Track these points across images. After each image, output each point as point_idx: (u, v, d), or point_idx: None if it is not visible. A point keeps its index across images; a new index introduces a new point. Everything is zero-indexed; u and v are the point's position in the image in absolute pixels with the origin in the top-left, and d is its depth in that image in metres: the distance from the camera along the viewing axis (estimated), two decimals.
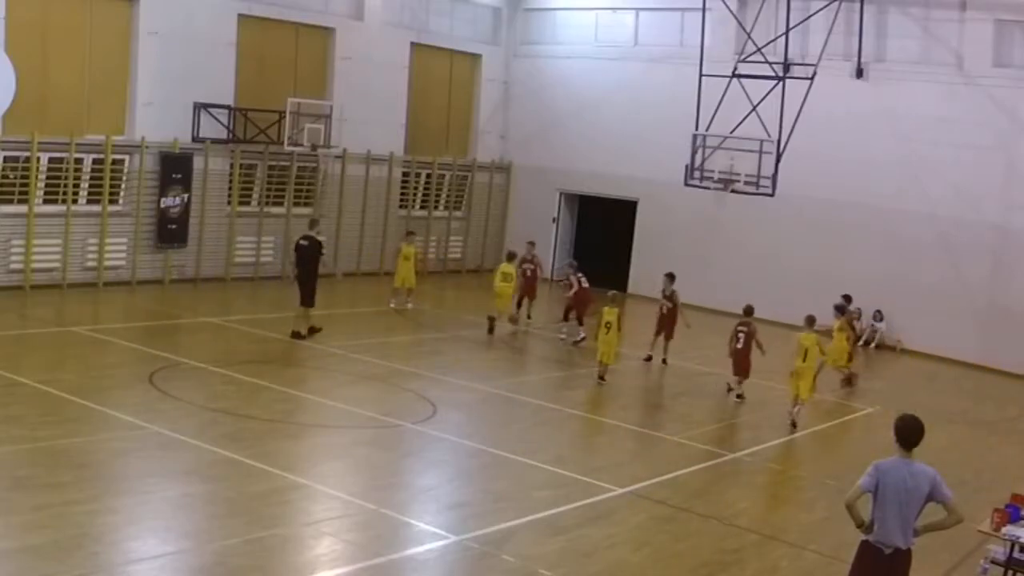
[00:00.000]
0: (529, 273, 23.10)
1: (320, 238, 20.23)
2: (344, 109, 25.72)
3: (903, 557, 8.01)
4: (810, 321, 16.94)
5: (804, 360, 16.51)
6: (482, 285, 29.62)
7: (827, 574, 10.67)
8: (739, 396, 18.17)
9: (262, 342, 19.08)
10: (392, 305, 23.40)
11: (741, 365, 18.00)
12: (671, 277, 20.94)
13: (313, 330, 19.40)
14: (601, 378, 18.28)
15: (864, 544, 8.17)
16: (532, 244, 24.17)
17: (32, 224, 21.29)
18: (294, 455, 12.83)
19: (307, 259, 19.30)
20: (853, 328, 21.66)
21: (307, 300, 19.20)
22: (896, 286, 24.67)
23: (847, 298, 22.18)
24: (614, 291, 19.35)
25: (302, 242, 19.47)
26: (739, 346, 17.90)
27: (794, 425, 16.49)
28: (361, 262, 27.68)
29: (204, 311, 21.48)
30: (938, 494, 7.91)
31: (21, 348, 17.01)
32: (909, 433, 7.97)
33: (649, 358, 20.61)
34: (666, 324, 20.64)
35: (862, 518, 8.09)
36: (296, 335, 19.19)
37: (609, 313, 18.15)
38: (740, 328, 18.01)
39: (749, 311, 18.30)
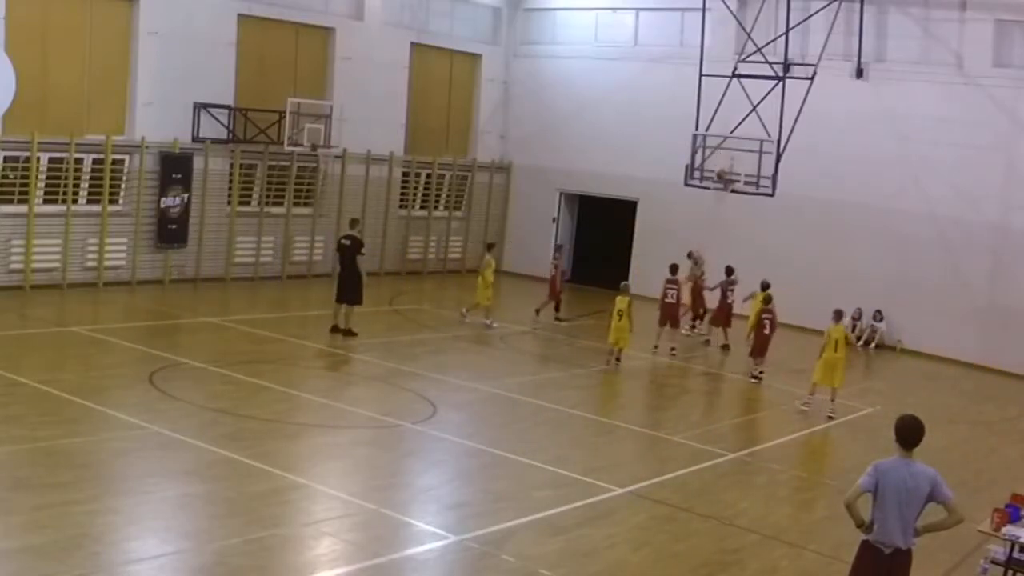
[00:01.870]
0: (553, 272, 24.11)
1: (361, 237, 20.50)
2: (344, 109, 25.71)
3: (903, 557, 8.01)
4: (838, 315, 17.88)
5: (836, 351, 17.37)
6: None
7: (827, 574, 10.67)
8: (759, 375, 19.40)
9: (262, 342, 19.07)
10: (495, 325, 22.34)
11: (765, 349, 19.18)
12: (674, 268, 22.08)
13: (349, 333, 19.57)
14: (615, 359, 19.58)
15: (864, 544, 8.17)
16: (559, 247, 25.14)
17: (32, 224, 21.29)
18: (294, 455, 12.83)
19: (348, 258, 19.80)
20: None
21: (352, 298, 19.73)
22: (896, 286, 24.68)
23: (729, 270, 23.17)
24: (626, 282, 20.25)
25: (344, 241, 20.19)
26: (767, 332, 19.07)
27: (831, 417, 17.37)
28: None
29: (204, 311, 21.48)
30: (938, 494, 7.91)
31: (21, 348, 17.00)
32: (909, 433, 7.97)
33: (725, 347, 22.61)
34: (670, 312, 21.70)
35: (862, 518, 8.09)
36: (335, 329, 19.68)
37: (620, 302, 19.34)
38: (766, 316, 19.16)
39: (768, 299, 19.40)
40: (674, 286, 21.56)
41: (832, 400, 17.55)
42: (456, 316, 22.74)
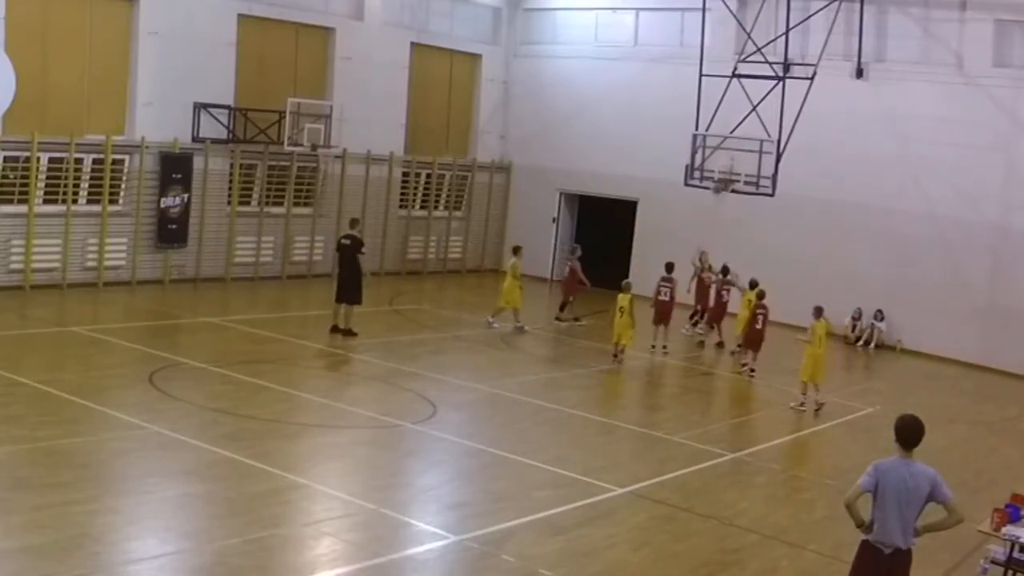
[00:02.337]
0: (568, 273, 24.06)
1: (361, 236, 20.51)
2: (344, 109, 25.71)
3: (903, 557, 8.01)
4: (819, 311, 18.06)
5: (820, 346, 17.68)
6: (482, 285, 29.69)
7: (827, 574, 10.67)
8: (752, 371, 19.79)
9: (262, 342, 19.08)
10: (496, 325, 22.21)
11: (758, 343, 19.69)
12: (669, 266, 22.27)
13: (349, 333, 19.56)
14: (615, 356, 19.97)
15: (864, 544, 8.17)
16: (574, 247, 24.72)
17: (32, 224, 21.29)
18: (294, 455, 12.83)
19: (348, 257, 19.82)
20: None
21: (352, 298, 19.74)
22: (896, 286, 24.68)
23: (725, 269, 23.44)
24: (627, 280, 20.66)
25: (344, 240, 20.22)
26: (758, 327, 19.63)
27: (819, 405, 17.75)
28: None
29: (204, 311, 21.48)
30: (938, 494, 7.91)
31: (21, 348, 17.00)
32: (909, 433, 7.97)
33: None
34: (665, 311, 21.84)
35: (862, 518, 8.09)
36: (335, 329, 19.70)
37: (622, 299, 19.79)
38: (759, 311, 19.68)
39: (762, 295, 20.00)
40: (668, 284, 21.71)
41: (816, 391, 17.81)
42: (451, 316, 22.73)
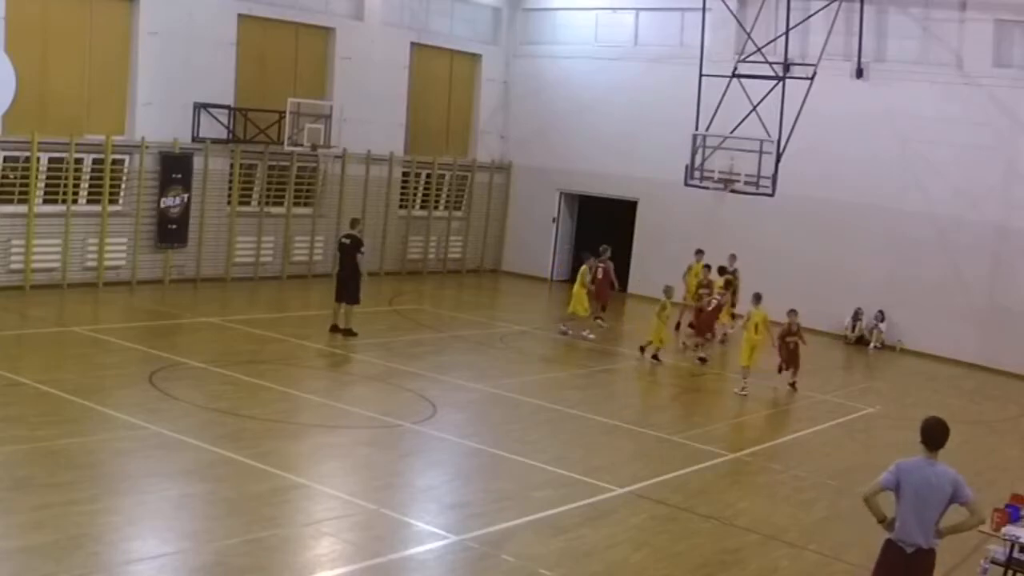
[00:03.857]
0: (600, 275, 23.21)
1: (361, 236, 20.49)
2: (344, 109, 25.70)
3: (925, 556, 8.04)
4: (757, 298, 18.71)
5: (756, 333, 18.48)
6: (482, 285, 29.71)
7: (827, 574, 10.67)
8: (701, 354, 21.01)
9: (262, 342, 19.07)
10: (592, 336, 22.11)
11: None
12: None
13: (349, 332, 19.57)
14: (642, 349, 20.64)
15: (887, 542, 8.22)
16: (604, 248, 23.89)
17: (32, 224, 21.29)
18: (294, 455, 12.82)
19: (348, 257, 19.85)
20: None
21: (350, 297, 19.74)
22: (896, 286, 24.68)
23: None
24: (669, 285, 20.76)
25: (344, 240, 20.25)
26: (710, 309, 21.04)
27: (742, 392, 18.33)
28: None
29: (204, 311, 21.48)
30: (960, 496, 7.98)
31: (21, 348, 17.01)
32: (935, 434, 8.09)
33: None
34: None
35: (883, 513, 8.15)
36: (335, 328, 19.73)
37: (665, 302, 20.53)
38: (703, 290, 21.11)
39: (731, 282, 21.08)
40: (707, 291, 22.00)
41: (744, 378, 18.32)
42: (451, 316, 22.68)
